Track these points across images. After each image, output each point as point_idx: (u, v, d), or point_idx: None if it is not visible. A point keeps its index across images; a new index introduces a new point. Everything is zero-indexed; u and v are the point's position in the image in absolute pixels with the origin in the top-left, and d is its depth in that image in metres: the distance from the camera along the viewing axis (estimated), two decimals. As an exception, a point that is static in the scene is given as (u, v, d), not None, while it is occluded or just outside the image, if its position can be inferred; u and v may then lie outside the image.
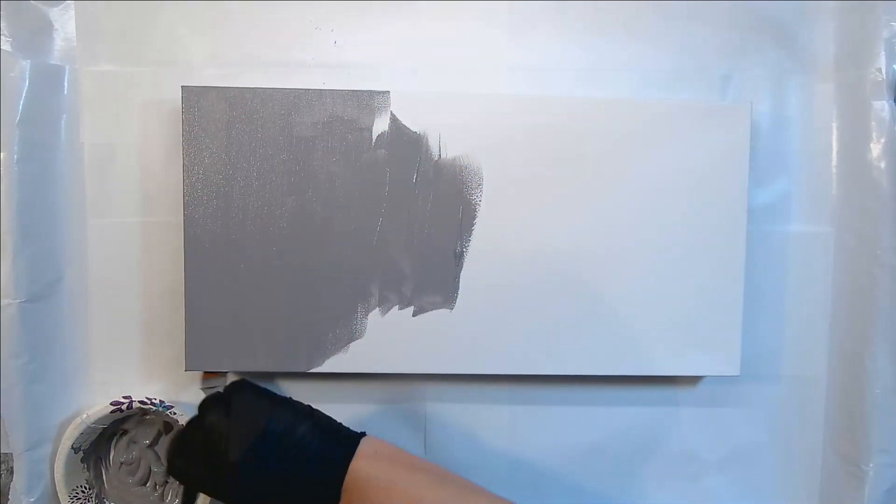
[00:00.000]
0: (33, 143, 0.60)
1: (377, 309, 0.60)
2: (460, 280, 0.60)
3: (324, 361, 0.60)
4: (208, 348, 0.59)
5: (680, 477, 0.67)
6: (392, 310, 0.60)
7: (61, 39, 0.62)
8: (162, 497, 0.65)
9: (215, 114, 0.58)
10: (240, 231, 0.59)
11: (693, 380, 0.66)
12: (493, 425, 0.66)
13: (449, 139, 0.59)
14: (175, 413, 0.60)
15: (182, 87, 0.58)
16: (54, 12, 0.61)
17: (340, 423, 0.55)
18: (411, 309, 0.60)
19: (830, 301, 0.66)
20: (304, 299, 0.59)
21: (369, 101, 0.59)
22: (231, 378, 0.61)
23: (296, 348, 0.60)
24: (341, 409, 0.65)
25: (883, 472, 0.63)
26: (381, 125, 0.59)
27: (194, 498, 0.60)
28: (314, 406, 0.59)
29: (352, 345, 0.60)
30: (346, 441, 0.52)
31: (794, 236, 0.65)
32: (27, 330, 0.60)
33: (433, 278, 0.60)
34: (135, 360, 0.64)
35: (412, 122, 0.59)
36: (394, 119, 0.59)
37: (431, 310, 0.60)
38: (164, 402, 0.60)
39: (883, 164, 0.61)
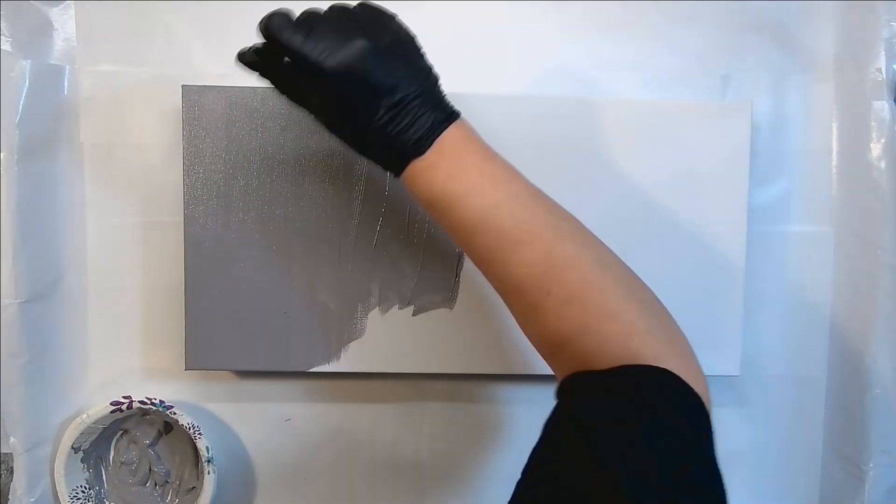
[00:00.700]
0: (33, 143, 0.60)
1: (377, 308, 0.60)
2: (460, 279, 0.60)
3: (324, 361, 0.60)
4: (208, 348, 0.59)
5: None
6: (392, 309, 0.60)
7: (61, 39, 0.62)
8: (162, 497, 0.65)
9: (215, 113, 0.58)
10: (240, 230, 0.59)
11: (693, 380, 0.66)
12: (492, 425, 0.66)
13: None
14: (175, 413, 0.60)
15: (182, 86, 0.58)
16: (54, 12, 0.61)
17: None
18: (411, 308, 0.60)
19: (830, 301, 0.66)
20: (303, 299, 0.59)
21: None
22: None
23: (296, 348, 0.60)
24: (341, 408, 0.65)
25: (883, 472, 0.63)
26: (381, 125, 0.59)
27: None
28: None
29: (352, 344, 0.60)
30: (448, 108, 0.45)
31: (794, 236, 0.65)
32: (27, 330, 0.60)
33: (433, 277, 0.60)
34: (135, 360, 0.64)
35: (412, 122, 0.59)
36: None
37: (431, 309, 0.60)
38: (163, 401, 0.60)
39: (883, 164, 0.61)
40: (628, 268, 0.43)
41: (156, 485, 0.65)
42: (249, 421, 0.65)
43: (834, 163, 0.65)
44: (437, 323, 0.60)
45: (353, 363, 0.60)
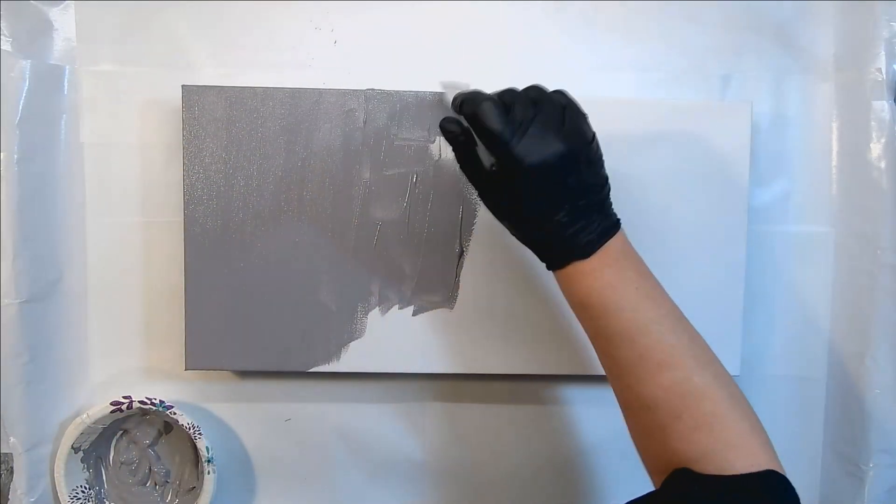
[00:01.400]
0: (33, 143, 0.60)
1: (377, 308, 0.60)
2: (460, 279, 0.60)
3: (324, 361, 0.60)
4: (208, 348, 0.59)
5: (680, 477, 0.67)
6: (392, 309, 0.60)
7: (61, 39, 0.62)
8: (162, 497, 0.65)
9: (215, 113, 0.58)
10: (240, 230, 0.59)
11: (693, 380, 0.66)
12: (492, 425, 0.66)
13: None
14: (175, 413, 0.60)
15: (182, 86, 0.58)
16: (54, 12, 0.61)
17: None
18: (411, 308, 0.60)
19: (830, 301, 0.66)
20: (303, 299, 0.59)
21: (369, 100, 0.59)
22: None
23: (296, 348, 0.60)
24: (341, 408, 0.65)
25: (883, 472, 0.63)
26: (381, 124, 0.59)
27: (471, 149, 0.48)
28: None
29: (352, 344, 0.60)
30: (614, 215, 0.48)
31: (794, 236, 0.65)
32: (27, 330, 0.60)
33: (433, 278, 0.60)
34: (135, 360, 0.64)
35: (413, 122, 0.59)
36: (393, 118, 0.59)
37: (431, 309, 0.60)
38: (164, 401, 0.60)
39: (883, 164, 0.61)
40: (743, 395, 0.45)
41: (156, 485, 0.65)
42: (249, 421, 0.65)
43: (834, 163, 0.65)
44: (437, 323, 0.60)
45: (353, 363, 0.60)
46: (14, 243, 0.59)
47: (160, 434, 0.65)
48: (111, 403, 0.60)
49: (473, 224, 0.60)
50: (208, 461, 0.60)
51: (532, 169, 0.43)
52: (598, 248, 0.45)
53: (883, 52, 0.61)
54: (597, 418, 0.66)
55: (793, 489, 0.41)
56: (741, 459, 0.41)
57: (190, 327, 0.59)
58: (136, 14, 0.62)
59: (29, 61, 0.59)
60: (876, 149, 0.62)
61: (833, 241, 0.65)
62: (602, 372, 0.61)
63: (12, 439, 0.61)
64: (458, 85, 0.53)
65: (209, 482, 0.61)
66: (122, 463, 0.64)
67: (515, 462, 0.66)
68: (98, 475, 0.64)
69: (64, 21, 0.62)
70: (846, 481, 0.65)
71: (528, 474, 0.66)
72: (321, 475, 0.66)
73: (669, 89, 0.64)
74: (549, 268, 0.47)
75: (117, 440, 0.65)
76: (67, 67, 0.62)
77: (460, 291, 0.60)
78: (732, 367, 0.62)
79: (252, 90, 0.58)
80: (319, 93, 0.58)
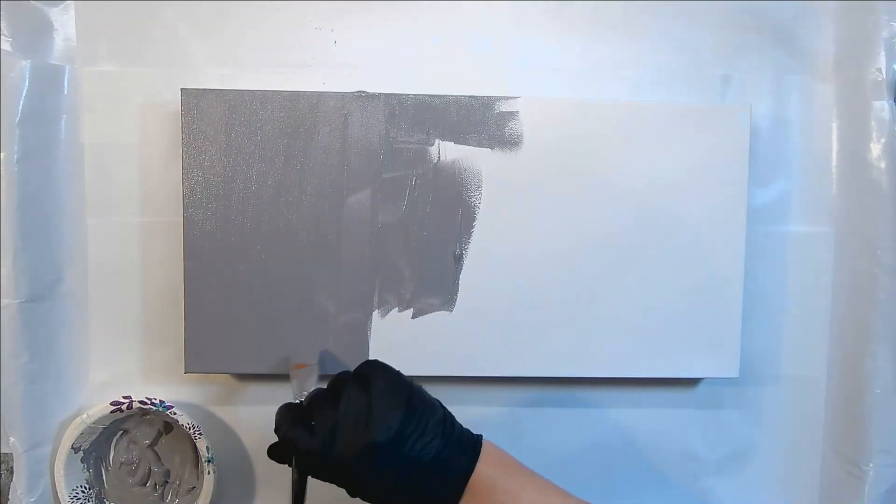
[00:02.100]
0: (33, 143, 0.60)
1: (376, 311, 0.60)
2: (460, 282, 0.60)
3: (323, 364, 0.60)
4: (208, 349, 0.59)
5: (680, 477, 0.67)
6: (391, 312, 0.60)
7: (61, 39, 0.62)
8: (162, 497, 0.65)
9: (214, 116, 0.58)
10: (239, 233, 0.59)
11: (692, 381, 0.66)
12: (493, 427, 0.65)
13: (448, 141, 0.59)
14: (175, 413, 0.60)
15: (181, 89, 0.58)
16: (54, 12, 0.61)
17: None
18: (410, 311, 0.60)
19: (830, 301, 0.66)
20: (303, 301, 0.59)
21: (369, 102, 0.59)
22: (315, 370, 0.57)
23: (295, 350, 0.60)
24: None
25: (883, 472, 0.63)
26: (380, 126, 0.59)
27: (304, 485, 0.52)
28: None
29: (351, 347, 0.60)
30: (469, 443, 0.49)
31: (794, 236, 0.65)
32: (27, 330, 0.60)
33: (432, 280, 0.60)
34: (135, 361, 0.64)
35: (411, 125, 0.59)
36: (393, 120, 0.59)
37: (431, 312, 0.60)
38: (164, 402, 0.60)
39: (883, 164, 0.61)
40: None
41: (155, 485, 0.65)
42: (249, 422, 0.65)
43: (834, 163, 0.65)
44: (437, 326, 0.60)
45: (353, 366, 0.60)
46: (14, 243, 0.59)
47: (160, 434, 0.65)
48: (111, 403, 0.60)
49: (473, 227, 0.60)
50: (208, 461, 0.60)
51: (356, 468, 0.46)
52: (463, 488, 0.47)
53: (883, 52, 0.61)
54: (597, 420, 0.66)
55: None
56: None
57: (189, 331, 0.59)
58: (136, 14, 0.62)
59: (29, 61, 0.59)
60: (876, 149, 0.62)
61: (833, 241, 0.65)
62: (601, 374, 0.62)
63: (12, 439, 0.61)
64: (300, 374, 0.55)
65: (209, 482, 0.61)
66: (121, 463, 0.65)
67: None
68: (98, 475, 0.64)
69: (64, 21, 0.62)
70: (846, 481, 0.65)
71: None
72: (321, 475, 0.66)
73: (669, 90, 0.64)
74: None
75: (117, 440, 0.65)
76: (67, 67, 0.62)
77: (459, 294, 0.60)
78: (732, 368, 0.62)
79: (251, 93, 0.58)
80: (318, 95, 0.58)
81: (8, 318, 0.59)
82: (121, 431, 0.65)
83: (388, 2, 0.63)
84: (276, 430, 0.49)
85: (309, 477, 0.51)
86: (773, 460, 0.67)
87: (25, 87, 0.59)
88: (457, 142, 0.59)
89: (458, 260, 0.60)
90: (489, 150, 0.59)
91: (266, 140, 0.58)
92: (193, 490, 0.64)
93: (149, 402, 0.60)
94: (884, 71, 0.61)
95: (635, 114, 0.60)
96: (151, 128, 0.62)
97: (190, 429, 0.60)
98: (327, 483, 0.49)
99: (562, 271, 0.60)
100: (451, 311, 0.60)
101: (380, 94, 0.59)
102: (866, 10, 0.62)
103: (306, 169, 0.59)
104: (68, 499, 0.61)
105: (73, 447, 0.60)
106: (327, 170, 0.59)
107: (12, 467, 0.61)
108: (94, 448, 0.63)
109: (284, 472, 0.66)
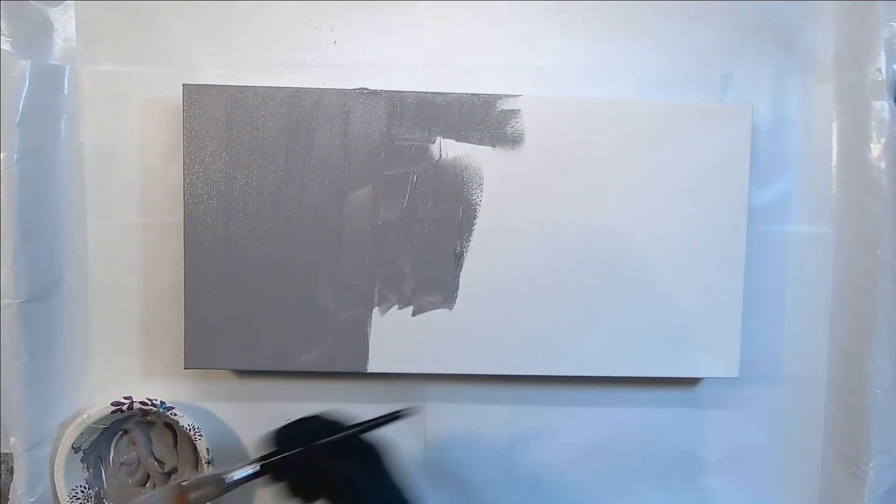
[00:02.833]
0: (33, 143, 0.60)
1: (377, 308, 0.60)
2: (460, 280, 0.60)
3: (323, 361, 0.60)
4: (208, 347, 0.59)
5: (680, 477, 0.67)
6: (392, 309, 0.60)
7: (61, 39, 0.62)
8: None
9: (216, 112, 0.58)
10: (240, 230, 0.59)
11: (692, 381, 0.66)
12: (492, 425, 0.66)
13: (449, 139, 0.59)
14: (176, 414, 0.60)
15: (183, 85, 0.58)
16: (54, 12, 0.61)
17: None
18: (411, 308, 0.60)
19: (830, 301, 0.66)
20: (303, 299, 0.59)
21: (370, 100, 0.59)
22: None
23: (295, 347, 0.60)
24: (341, 408, 0.65)
25: (883, 472, 0.63)
26: (382, 124, 0.59)
27: None
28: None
29: (352, 344, 0.60)
30: None
31: (794, 236, 0.65)
32: (27, 330, 0.60)
33: (433, 278, 0.60)
34: (135, 360, 0.64)
35: (412, 122, 0.59)
36: (394, 119, 0.59)
37: (431, 309, 0.60)
38: (164, 402, 0.60)
39: (883, 164, 0.61)
40: None
41: (155, 485, 0.65)
42: (249, 420, 0.65)
43: (834, 163, 0.65)
44: (437, 323, 0.60)
45: (353, 363, 0.60)
46: (14, 243, 0.59)
47: (160, 435, 0.65)
48: (112, 404, 0.60)
49: (473, 224, 0.60)
50: (209, 463, 0.60)
51: None
52: None
53: (883, 52, 0.61)
54: (596, 419, 0.66)
55: None
56: None
57: (189, 326, 0.59)
58: (136, 14, 0.62)
59: (29, 61, 0.59)
60: (876, 149, 0.62)
61: (833, 241, 0.66)
62: (601, 373, 0.62)
63: (12, 439, 0.60)
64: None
65: (209, 482, 0.60)
66: (121, 463, 0.64)
67: (515, 462, 0.66)
68: (98, 475, 0.64)
69: (64, 21, 0.62)
70: (846, 481, 0.65)
71: (528, 474, 0.66)
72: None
73: (669, 89, 0.64)
74: None
75: (117, 440, 0.65)
76: (67, 67, 0.62)
77: (460, 292, 0.60)
78: (732, 368, 0.62)
79: (253, 89, 0.58)
80: (320, 92, 0.58)
81: (8, 318, 0.59)
82: (121, 432, 0.65)
83: (389, 1, 0.63)
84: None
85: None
86: (773, 460, 0.67)
87: (25, 87, 0.59)
88: (458, 139, 0.59)
89: (459, 258, 0.60)
90: (490, 147, 0.59)
91: (267, 136, 0.58)
92: (193, 490, 0.64)
93: (149, 402, 0.60)
94: (884, 71, 0.61)
95: (637, 113, 0.60)
96: (151, 128, 0.62)
97: (190, 430, 0.60)
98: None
99: (562, 270, 0.60)
100: (451, 308, 0.60)
101: (381, 91, 0.59)
102: (866, 10, 0.62)
103: (307, 165, 0.59)
104: (68, 499, 0.61)
105: (73, 447, 0.60)
106: (328, 167, 0.59)
107: (12, 467, 0.61)
108: (94, 448, 0.63)
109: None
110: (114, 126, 0.62)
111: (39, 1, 0.61)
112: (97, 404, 0.61)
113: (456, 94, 0.59)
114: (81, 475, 0.62)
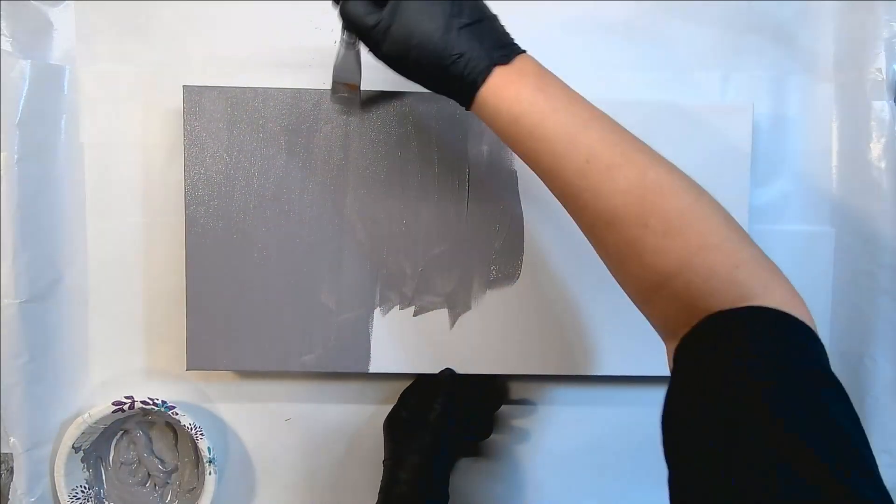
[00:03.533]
0: (33, 143, 0.60)
1: (378, 308, 0.60)
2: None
3: (324, 361, 0.60)
4: (209, 348, 0.59)
5: (680, 477, 0.67)
6: (393, 309, 0.60)
7: (61, 39, 0.62)
8: (162, 497, 0.65)
9: (216, 113, 0.58)
10: (241, 230, 0.59)
11: (693, 380, 0.66)
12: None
13: (449, 139, 0.59)
14: (177, 413, 0.60)
15: (183, 86, 0.58)
16: (54, 12, 0.61)
17: None
18: (412, 308, 0.60)
19: (830, 301, 0.66)
20: (304, 299, 0.59)
21: (369, 100, 0.59)
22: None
23: (296, 348, 0.60)
24: (341, 408, 0.65)
25: (883, 472, 0.62)
26: (380, 125, 0.59)
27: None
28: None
29: (353, 344, 0.60)
30: (510, 44, 0.44)
31: (794, 236, 0.65)
32: (27, 330, 0.60)
33: (434, 278, 0.60)
34: (135, 360, 0.64)
35: (412, 123, 0.59)
36: (394, 119, 0.59)
37: (432, 309, 0.60)
38: (165, 402, 0.60)
39: (883, 164, 0.61)
40: (713, 197, 0.41)
41: (155, 485, 0.65)
42: (250, 421, 0.65)
43: (834, 163, 0.65)
44: (438, 323, 0.60)
45: (354, 363, 0.60)
46: (14, 243, 0.59)
47: (161, 435, 0.65)
48: (113, 403, 0.60)
49: (474, 224, 0.60)
50: (210, 462, 0.60)
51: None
52: (516, 54, 0.43)
53: (883, 52, 0.61)
54: (597, 419, 0.66)
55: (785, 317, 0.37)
56: (720, 264, 0.37)
57: (191, 327, 0.59)
58: (136, 14, 0.62)
59: (29, 61, 0.59)
60: (876, 149, 0.62)
61: (833, 241, 0.66)
62: (602, 372, 0.61)
63: (12, 439, 0.60)
64: None
65: (210, 483, 0.60)
66: (122, 463, 0.64)
67: (515, 461, 0.66)
68: (98, 475, 0.64)
69: (64, 21, 0.62)
70: (846, 481, 0.65)
71: (528, 474, 0.66)
72: (321, 475, 0.66)
73: (670, 89, 0.64)
74: (471, 93, 0.43)
75: (118, 440, 0.65)
76: (67, 67, 0.62)
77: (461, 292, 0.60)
78: (733, 367, 0.62)
79: (253, 90, 0.58)
80: (321, 93, 0.58)
81: (8, 318, 0.59)
82: (121, 431, 0.65)
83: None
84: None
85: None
86: (774, 460, 0.67)
87: (25, 87, 0.59)
88: (457, 139, 0.59)
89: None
90: (489, 147, 0.59)
91: (268, 137, 0.58)
92: (194, 490, 0.64)
93: (150, 402, 0.60)
94: (884, 71, 0.61)
95: (637, 112, 0.60)
96: (151, 128, 0.62)
97: (191, 429, 0.60)
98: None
99: (563, 269, 0.60)
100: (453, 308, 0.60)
101: (381, 91, 0.59)
102: (866, 11, 0.62)
103: (308, 166, 0.59)
104: (68, 499, 0.61)
105: (73, 447, 0.60)
106: (329, 167, 0.59)
107: (12, 467, 0.61)
108: (95, 448, 0.63)
109: (284, 472, 0.66)
110: (114, 126, 0.62)
111: (39, 1, 0.61)
112: (97, 404, 0.61)
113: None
114: (82, 475, 0.62)
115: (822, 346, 0.37)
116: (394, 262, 0.60)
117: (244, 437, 0.65)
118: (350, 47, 0.52)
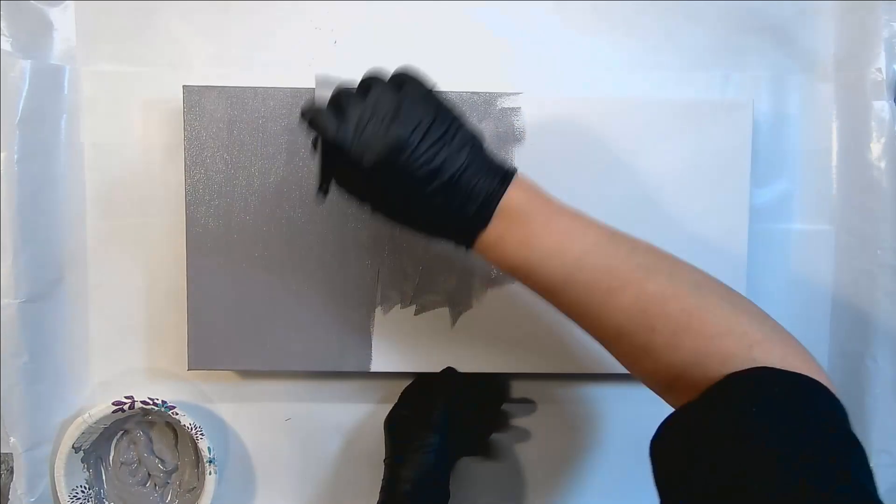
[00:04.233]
0: (33, 143, 0.60)
1: (379, 308, 0.60)
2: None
3: (325, 361, 0.60)
4: (210, 347, 0.59)
5: (680, 477, 0.67)
6: (394, 308, 0.60)
7: (61, 39, 0.62)
8: (162, 497, 0.65)
9: (216, 113, 0.58)
10: (241, 230, 0.59)
11: (693, 379, 0.66)
12: (493, 425, 0.66)
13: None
14: (177, 413, 0.60)
15: (183, 86, 0.58)
16: (54, 12, 0.61)
17: None
18: (413, 307, 0.60)
19: (830, 301, 0.66)
20: (305, 298, 0.59)
21: (370, 100, 0.59)
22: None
23: (297, 348, 0.60)
24: (342, 408, 0.65)
25: (883, 472, 0.63)
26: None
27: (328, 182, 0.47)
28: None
29: (353, 344, 0.60)
30: (501, 170, 0.44)
31: (794, 236, 0.65)
32: (27, 330, 0.60)
33: (435, 276, 0.60)
34: (135, 360, 0.64)
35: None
36: (395, 119, 0.59)
37: (433, 308, 0.60)
38: (166, 402, 0.60)
39: (883, 164, 0.61)
40: (719, 281, 0.42)
41: (155, 485, 0.65)
42: (250, 421, 0.65)
43: (834, 163, 0.65)
44: (439, 322, 0.60)
45: (355, 363, 0.60)
46: (14, 243, 0.59)
47: (161, 435, 0.65)
48: (113, 403, 0.60)
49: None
50: (210, 462, 0.60)
51: (373, 166, 0.41)
52: (492, 211, 0.42)
53: (883, 52, 0.61)
54: (597, 416, 0.66)
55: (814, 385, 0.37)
56: (735, 347, 0.38)
57: (192, 327, 0.59)
58: (136, 14, 0.62)
59: (29, 61, 0.59)
60: (876, 149, 0.62)
61: (833, 241, 0.66)
62: (602, 370, 0.61)
63: (12, 439, 0.60)
64: (330, 79, 0.48)
65: (210, 483, 0.60)
66: (122, 463, 0.64)
67: (515, 461, 0.66)
68: (98, 475, 0.64)
69: (64, 21, 0.62)
70: (846, 481, 0.65)
71: (529, 473, 0.66)
72: (321, 475, 0.66)
73: (670, 89, 0.64)
74: (467, 248, 0.44)
75: (118, 440, 0.65)
76: (67, 67, 0.61)
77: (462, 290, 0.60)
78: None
79: (253, 90, 0.58)
80: (320, 93, 0.58)
81: (8, 318, 0.59)
82: (121, 431, 0.65)
83: (388, 1, 0.63)
84: (303, 115, 0.44)
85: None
86: (774, 460, 0.67)
87: (25, 87, 0.59)
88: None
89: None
90: (491, 146, 0.59)
91: (268, 137, 0.58)
92: (194, 490, 0.64)
93: (151, 402, 0.60)
94: (884, 71, 0.61)
95: (637, 112, 0.60)
96: (151, 128, 0.62)
97: (192, 429, 0.60)
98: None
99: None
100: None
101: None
102: (866, 10, 0.62)
103: (308, 166, 0.59)
104: (68, 499, 0.60)
105: (73, 447, 0.60)
106: (329, 168, 0.59)
107: (12, 467, 0.61)
108: (95, 448, 0.63)
109: (284, 472, 0.66)
110: (114, 126, 0.62)
111: (39, 1, 0.61)
112: (97, 404, 0.61)
113: (456, 92, 0.59)
114: (82, 475, 0.62)
115: (840, 405, 0.37)
116: (394, 261, 0.60)
117: (244, 437, 0.65)
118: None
